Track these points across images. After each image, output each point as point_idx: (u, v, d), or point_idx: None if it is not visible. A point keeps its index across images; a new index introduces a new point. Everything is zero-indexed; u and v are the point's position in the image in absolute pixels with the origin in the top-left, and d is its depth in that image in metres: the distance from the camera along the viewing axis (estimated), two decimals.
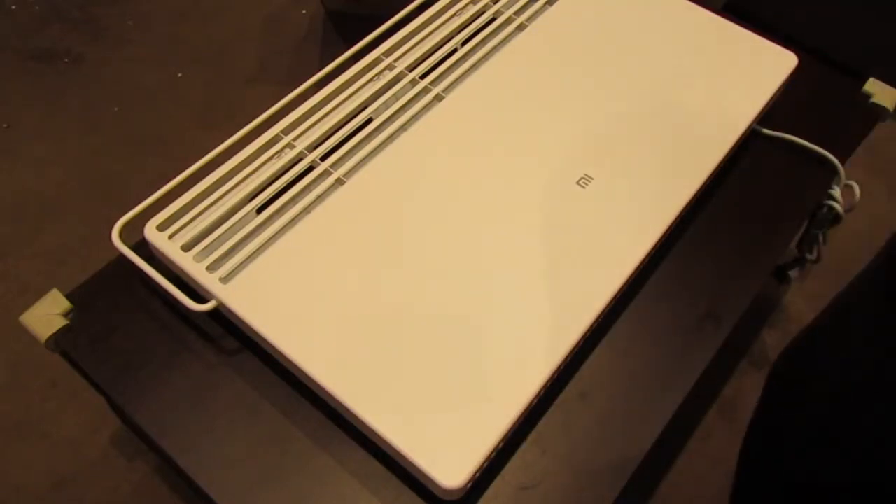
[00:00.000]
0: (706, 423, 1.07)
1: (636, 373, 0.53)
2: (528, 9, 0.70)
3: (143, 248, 0.55)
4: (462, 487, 0.44)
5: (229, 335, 0.54)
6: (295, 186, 0.57)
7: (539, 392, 0.48)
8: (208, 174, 0.57)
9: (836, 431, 0.50)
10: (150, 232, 0.54)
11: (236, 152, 0.58)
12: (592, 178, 0.58)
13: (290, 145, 0.59)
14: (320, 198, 0.56)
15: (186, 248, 0.54)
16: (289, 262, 0.53)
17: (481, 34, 0.67)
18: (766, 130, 0.67)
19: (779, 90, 0.66)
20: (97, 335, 0.55)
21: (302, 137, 0.60)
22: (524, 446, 0.50)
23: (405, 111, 0.62)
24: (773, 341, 1.14)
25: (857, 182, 0.68)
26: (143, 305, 0.56)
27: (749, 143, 0.67)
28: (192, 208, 0.55)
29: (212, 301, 0.52)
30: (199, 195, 0.56)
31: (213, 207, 0.56)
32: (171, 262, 0.54)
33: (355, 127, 0.61)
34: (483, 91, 0.63)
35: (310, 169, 0.58)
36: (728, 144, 0.61)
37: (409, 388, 0.48)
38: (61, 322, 0.55)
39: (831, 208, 0.69)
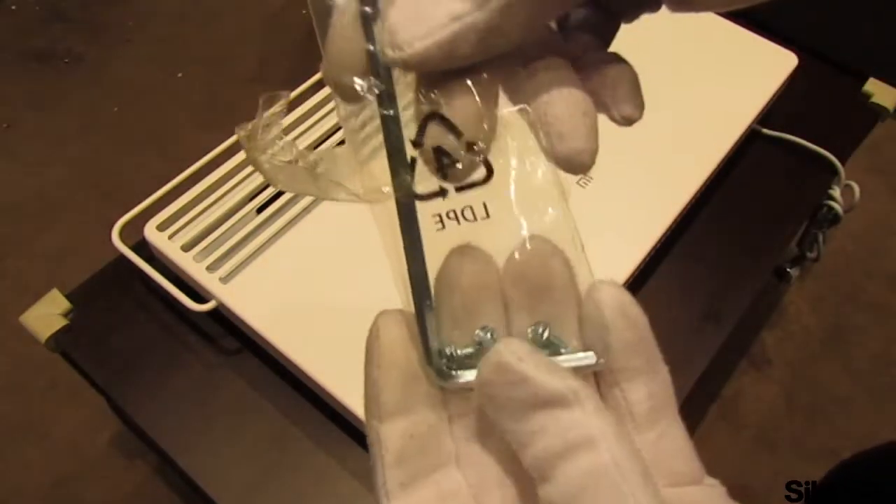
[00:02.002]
0: (706, 423, 1.07)
1: None
2: None
3: (143, 248, 0.55)
4: None
5: (229, 335, 0.54)
6: None
7: None
8: (208, 174, 0.57)
9: None
10: (150, 232, 0.54)
11: (236, 152, 0.58)
12: (592, 178, 0.58)
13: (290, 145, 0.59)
14: (320, 197, 0.56)
15: (186, 248, 0.54)
16: (289, 262, 0.53)
17: None
18: (766, 130, 0.67)
19: (779, 90, 0.66)
20: (97, 335, 0.55)
21: (302, 138, 0.60)
22: None
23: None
24: (773, 341, 1.14)
25: (856, 182, 0.68)
26: (143, 305, 0.56)
27: (749, 143, 0.67)
28: (192, 208, 0.55)
29: (212, 301, 0.52)
30: (199, 195, 0.56)
31: (213, 207, 0.56)
32: (171, 262, 0.54)
33: None
34: None
35: None
36: (728, 144, 0.61)
37: None
38: (61, 322, 0.55)
39: (831, 208, 0.69)
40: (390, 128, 0.19)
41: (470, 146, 0.18)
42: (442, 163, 0.18)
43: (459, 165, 0.18)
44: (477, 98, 0.18)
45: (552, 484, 0.17)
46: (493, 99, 0.19)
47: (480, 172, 0.19)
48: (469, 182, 0.19)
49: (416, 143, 0.19)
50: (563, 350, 0.19)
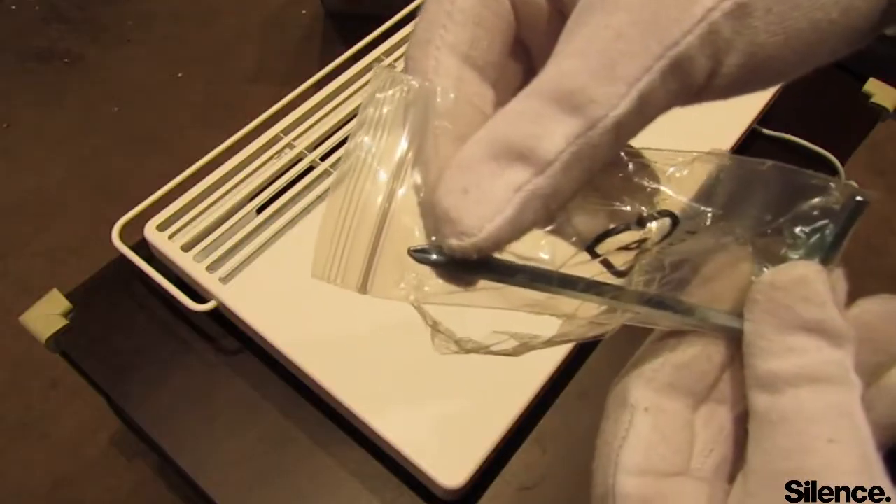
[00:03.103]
0: None
1: None
2: None
3: (143, 248, 0.55)
4: (462, 487, 0.44)
5: (229, 335, 0.54)
6: (295, 186, 0.57)
7: (539, 392, 0.48)
8: (208, 174, 0.57)
9: None
10: (150, 232, 0.54)
11: (236, 152, 0.58)
12: None
13: (290, 145, 0.59)
14: (320, 198, 0.56)
15: (186, 248, 0.54)
16: (288, 262, 0.53)
17: None
18: (766, 130, 0.67)
19: (779, 90, 0.66)
20: (97, 335, 0.55)
21: (302, 137, 0.60)
22: (524, 446, 0.50)
23: None
24: None
25: (857, 182, 0.68)
26: (143, 305, 0.56)
27: (749, 143, 0.66)
28: (192, 208, 0.55)
29: (212, 301, 0.52)
30: (199, 195, 0.56)
31: (213, 207, 0.56)
32: (171, 262, 0.54)
33: None
34: None
35: (310, 169, 0.58)
36: (728, 144, 0.61)
37: (410, 389, 0.48)
38: (61, 322, 0.55)
39: None
40: (556, 283, 0.18)
41: (641, 220, 0.19)
42: (631, 249, 0.19)
43: (649, 239, 0.19)
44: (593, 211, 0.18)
45: (779, 397, 0.17)
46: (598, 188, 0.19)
47: (667, 225, 0.19)
48: (663, 236, 0.19)
49: (603, 261, 0.19)
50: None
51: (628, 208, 0.19)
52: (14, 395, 1.08)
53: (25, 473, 1.02)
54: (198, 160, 0.58)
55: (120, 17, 1.63)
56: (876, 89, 0.71)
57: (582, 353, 0.54)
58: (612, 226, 0.19)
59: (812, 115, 0.70)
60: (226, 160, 0.58)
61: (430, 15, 0.18)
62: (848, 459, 0.16)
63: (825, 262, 0.19)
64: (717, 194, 0.19)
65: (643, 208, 0.19)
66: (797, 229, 0.19)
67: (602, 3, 0.16)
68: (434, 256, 0.17)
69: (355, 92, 0.63)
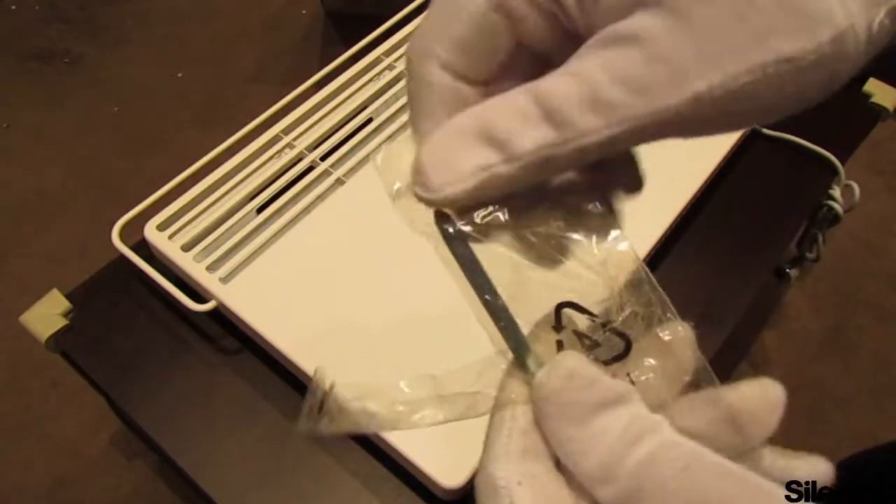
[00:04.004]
0: None
1: None
2: None
3: (143, 248, 0.55)
4: (462, 487, 0.44)
5: (229, 335, 0.54)
6: (295, 186, 0.57)
7: None
8: (208, 174, 0.57)
9: None
10: (150, 232, 0.54)
11: (236, 152, 0.58)
12: None
13: (290, 145, 0.59)
14: (320, 198, 0.56)
15: (186, 248, 0.54)
16: (288, 262, 0.53)
17: None
18: (766, 130, 0.67)
19: None
20: (97, 335, 0.55)
21: (302, 137, 0.60)
22: None
23: (405, 111, 0.62)
24: (773, 341, 1.14)
25: (856, 182, 0.68)
26: (143, 305, 0.56)
27: (749, 143, 0.67)
28: (192, 208, 0.55)
29: (212, 301, 0.52)
30: (199, 195, 0.56)
31: (213, 207, 0.56)
32: (171, 262, 0.54)
33: (355, 127, 0.61)
34: None
35: (310, 169, 0.58)
36: (728, 144, 0.61)
37: None
38: (61, 322, 0.55)
39: (831, 208, 0.69)
40: (509, 330, 0.21)
41: (606, 325, 0.20)
42: (584, 344, 0.20)
43: (601, 344, 0.20)
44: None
45: (618, 478, 0.17)
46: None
47: (619, 346, 0.20)
48: (612, 357, 0.20)
49: (557, 329, 0.20)
50: None
51: (617, 300, 0.21)
52: (14, 395, 1.08)
53: (25, 473, 1.02)
54: (198, 160, 0.58)
55: (120, 17, 1.63)
56: (876, 89, 0.71)
57: None
58: (587, 307, 0.20)
59: (812, 115, 0.70)
60: (226, 160, 0.58)
61: (432, 26, 0.20)
62: (710, 476, 0.17)
63: None
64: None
65: (615, 318, 0.20)
66: None
67: (614, 41, 0.17)
68: (450, 230, 0.21)
69: (355, 92, 0.63)
